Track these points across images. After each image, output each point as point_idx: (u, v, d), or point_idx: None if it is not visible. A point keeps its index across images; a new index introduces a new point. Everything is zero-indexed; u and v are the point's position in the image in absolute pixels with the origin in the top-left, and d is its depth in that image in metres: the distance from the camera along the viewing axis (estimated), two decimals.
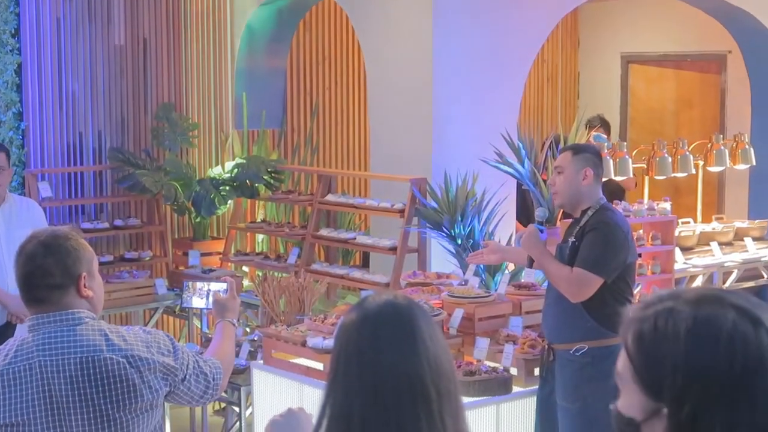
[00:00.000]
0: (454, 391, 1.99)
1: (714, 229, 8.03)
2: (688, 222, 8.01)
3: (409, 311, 2.01)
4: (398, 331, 1.98)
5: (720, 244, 7.78)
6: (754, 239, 8.04)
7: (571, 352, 4.86)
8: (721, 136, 8.45)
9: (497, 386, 5.02)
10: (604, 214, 4.92)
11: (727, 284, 7.59)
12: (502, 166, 6.91)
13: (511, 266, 6.57)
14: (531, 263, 5.12)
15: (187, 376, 3.14)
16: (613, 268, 4.82)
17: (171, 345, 3.13)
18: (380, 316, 2.00)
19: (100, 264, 7.63)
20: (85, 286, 3.07)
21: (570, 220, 5.24)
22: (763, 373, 1.54)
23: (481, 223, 6.64)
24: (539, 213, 5.21)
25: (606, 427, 5.05)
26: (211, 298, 3.71)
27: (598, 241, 4.83)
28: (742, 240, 7.99)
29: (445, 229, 6.60)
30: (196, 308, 7.26)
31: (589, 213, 4.93)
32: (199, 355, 3.27)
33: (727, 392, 1.54)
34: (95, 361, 2.97)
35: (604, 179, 5.36)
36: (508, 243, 6.62)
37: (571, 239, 4.92)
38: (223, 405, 7.40)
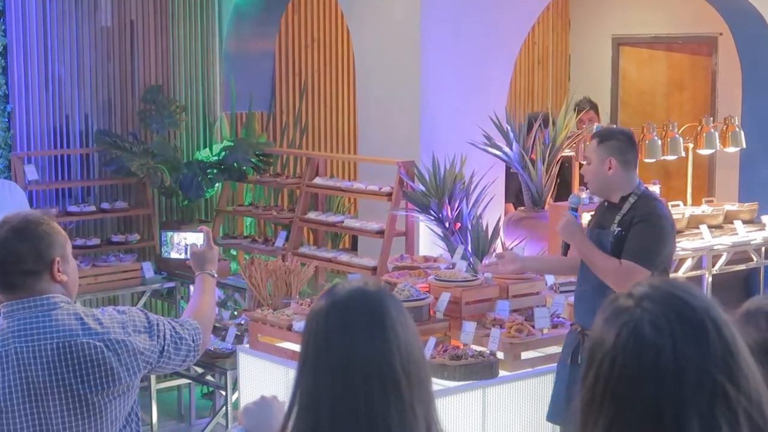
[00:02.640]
0: (425, 378, 1.97)
1: (704, 212, 8.01)
2: (678, 205, 7.98)
3: (379, 298, 1.98)
4: (367, 317, 1.96)
5: (709, 227, 7.76)
6: (744, 222, 8.02)
7: None
8: (711, 118, 8.43)
9: (483, 370, 5.00)
10: (652, 205, 4.84)
11: (717, 267, 7.58)
12: (490, 149, 6.88)
13: (499, 249, 6.55)
14: (566, 251, 5.04)
15: (166, 347, 3.13)
16: (661, 261, 4.78)
17: (146, 320, 3.12)
18: (349, 303, 1.98)
19: (87, 247, 7.69)
20: (59, 271, 3.04)
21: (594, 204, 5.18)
22: None
23: (469, 207, 6.61)
24: (573, 199, 5.11)
25: None
26: (188, 252, 3.67)
27: (649, 234, 4.74)
28: (732, 223, 7.97)
29: (432, 213, 6.56)
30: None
31: (631, 200, 4.84)
32: (176, 321, 3.24)
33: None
34: (72, 345, 2.95)
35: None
36: (497, 226, 6.58)
37: (616, 228, 4.81)
38: (211, 389, 7.39)
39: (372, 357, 1.93)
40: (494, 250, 6.43)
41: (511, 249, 6.16)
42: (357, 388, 1.92)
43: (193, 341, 3.24)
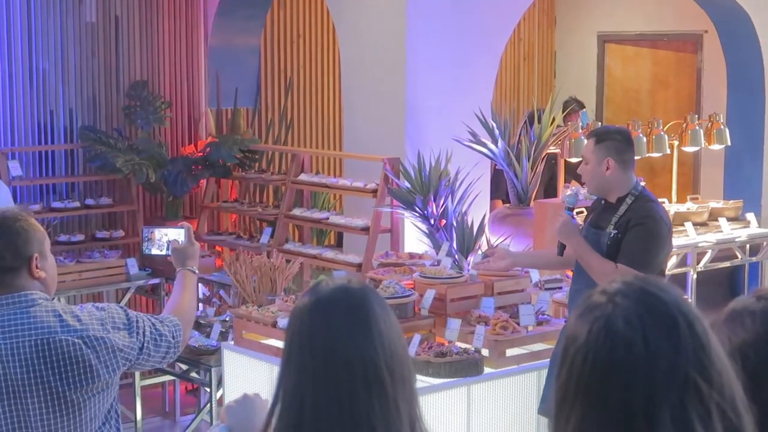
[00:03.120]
0: (408, 376, 1.96)
1: (689, 209, 8.02)
2: (663, 202, 7.99)
3: (363, 295, 1.98)
4: (351, 315, 1.96)
5: (694, 224, 7.77)
6: (729, 219, 8.04)
7: None
8: (696, 116, 8.44)
9: (468, 367, 4.99)
10: (648, 207, 4.81)
11: (701, 265, 7.59)
12: (475, 146, 6.88)
13: (484, 246, 6.55)
14: (561, 251, 5.03)
15: (145, 344, 3.11)
16: (657, 264, 4.77)
17: (125, 317, 3.10)
18: (333, 301, 1.97)
19: (72, 243, 7.66)
20: (37, 267, 3.02)
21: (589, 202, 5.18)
22: None
23: (455, 203, 6.60)
24: (569, 199, 5.09)
25: None
26: (170, 248, 3.65)
27: (645, 238, 4.72)
28: (717, 220, 7.99)
29: (418, 209, 6.56)
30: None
31: (628, 201, 4.82)
32: (155, 317, 3.23)
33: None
34: (50, 342, 2.93)
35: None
36: (482, 222, 6.58)
37: (613, 230, 4.79)
38: (195, 386, 7.37)
39: (356, 354, 1.92)
40: (479, 247, 6.42)
41: (496, 246, 6.14)
42: (340, 385, 1.91)
43: (173, 338, 3.22)
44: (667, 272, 7.36)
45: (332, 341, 1.93)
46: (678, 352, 1.58)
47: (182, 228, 3.69)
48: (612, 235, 4.79)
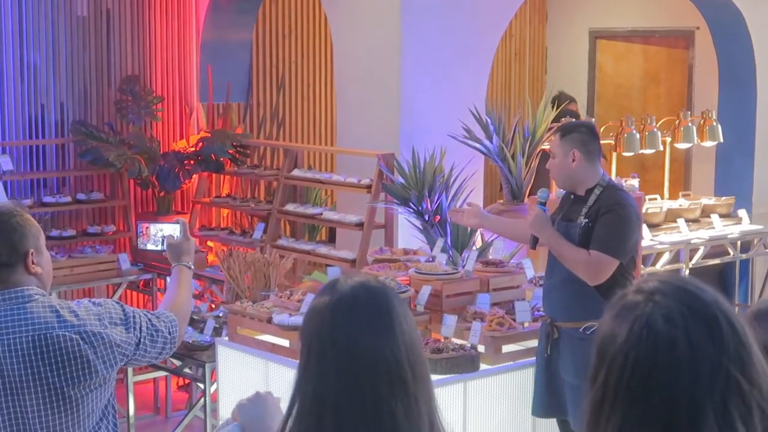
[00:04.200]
0: (427, 374, 1.95)
1: (681, 206, 8.05)
2: (655, 199, 8.01)
3: (384, 293, 1.96)
4: (374, 313, 1.93)
5: (687, 220, 7.79)
6: (721, 216, 8.06)
7: (581, 330, 4.86)
8: (689, 112, 8.46)
9: (465, 364, 4.99)
10: (616, 195, 4.89)
11: (694, 261, 7.60)
12: (470, 142, 6.87)
13: (479, 242, 6.54)
14: (534, 244, 5.07)
15: (142, 339, 3.10)
16: (629, 250, 4.83)
17: (122, 312, 3.08)
18: (355, 300, 1.94)
19: (63, 239, 7.62)
20: (33, 263, 3.00)
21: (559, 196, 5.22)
22: None
23: (449, 199, 6.59)
24: (541, 194, 5.13)
25: None
26: (165, 243, 3.63)
27: (615, 224, 4.79)
28: (709, 217, 8.01)
29: (412, 205, 6.54)
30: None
31: (596, 192, 4.89)
32: (152, 313, 3.21)
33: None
34: (48, 338, 2.91)
35: None
36: None
37: (583, 219, 4.85)
38: (187, 381, 7.35)
39: (379, 353, 1.90)
40: (473, 243, 6.42)
41: (472, 203, 6.18)
42: (364, 385, 1.89)
43: (170, 333, 3.20)
44: (660, 268, 7.41)
45: (355, 341, 1.91)
46: (720, 351, 1.57)
47: (177, 223, 3.67)
48: (583, 224, 4.86)
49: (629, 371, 1.58)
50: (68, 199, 7.81)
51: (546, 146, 7.15)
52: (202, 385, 6.17)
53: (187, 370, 6.39)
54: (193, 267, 3.55)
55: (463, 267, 5.65)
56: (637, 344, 1.58)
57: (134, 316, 3.10)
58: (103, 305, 3.06)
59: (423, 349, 1.97)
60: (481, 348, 5.14)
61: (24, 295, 2.96)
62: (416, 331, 1.97)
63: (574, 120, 9.02)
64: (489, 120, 6.90)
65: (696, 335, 1.57)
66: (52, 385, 2.92)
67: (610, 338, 1.61)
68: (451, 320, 5.20)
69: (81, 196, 7.91)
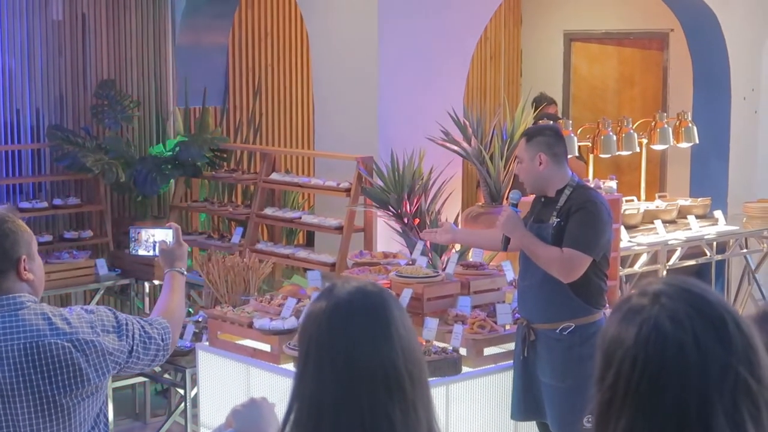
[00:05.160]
0: (425, 380, 1.94)
1: (658, 207, 8.08)
2: (632, 200, 8.04)
3: (381, 298, 1.95)
4: (372, 319, 1.92)
5: (664, 222, 7.83)
6: (697, 217, 8.10)
7: (557, 331, 4.88)
8: (665, 114, 8.49)
9: (447, 367, 4.99)
10: (587, 193, 4.94)
11: (671, 262, 7.64)
12: (448, 144, 6.87)
13: (458, 245, 6.55)
14: (506, 246, 5.09)
15: (135, 347, 3.07)
16: (601, 247, 4.85)
17: (114, 320, 3.05)
18: (352, 305, 1.93)
19: (39, 244, 7.51)
20: (25, 269, 2.97)
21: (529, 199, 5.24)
22: None
23: (428, 202, 6.60)
24: (513, 195, 5.15)
25: None
26: (157, 249, 3.59)
27: (587, 221, 4.82)
28: (686, 218, 8.05)
29: (391, 208, 6.54)
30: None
31: (567, 192, 4.92)
32: (144, 320, 3.18)
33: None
34: (39, 346, 2.89)
35: None
36: (455, 221, 6.59)
37: (555, 219, 4.88)
38: (165, 387, 7.32)
39: (377, 359, 1.89)
40: (453, 247, 6.42)
41: (446, 220, 6.22)
42: (362, 392, 1.88)
43: (162, 340, 3.18)
44: (638, 269, 7.44)
45: (353, 346, 1.90)
46: (729, 351, 1.58)
47: (170, 228, 3.64)
48: (555, 224, 4.89)
49: (638, 374, 1.58)
50: (45, 204, 7.77)
51: None
52: (181, 391, 6.14)
53: (166, 375, 6.36)
54: (186, 273, 3.53)
55: (444, 270, 5.66)
56: (645, 347, 1.59)
57: (127, 324, 3.08)
58: (95, 312, 3.04)
59: (422, 354, 1.97)
60: (462, 351, 5.15)
61: (16, 303, 2.94)
62: (414, 336, 1.97)
63: (547, 100, 9.12)
64: (468, 122, 6.91)
65: (704, 336, 1.58)
66: (43, 393, 2.89)
67: (617, 342, 1.61)
68: (432, 323, 5.21)
69: (57, 201, 7.87)
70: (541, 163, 4.93)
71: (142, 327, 3.13)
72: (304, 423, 1.88)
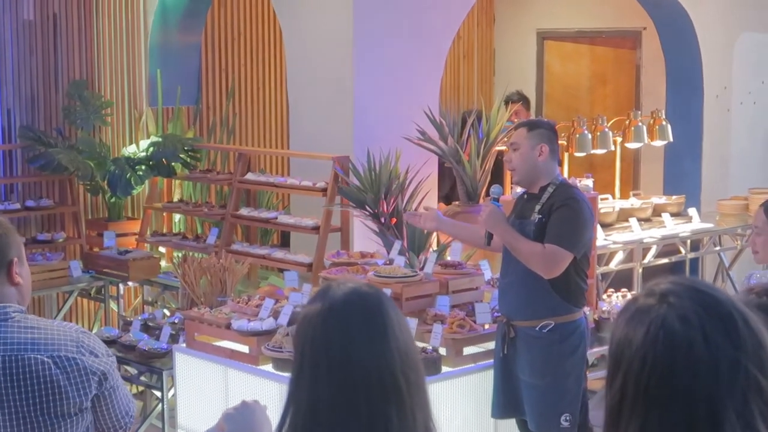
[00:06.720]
0: (422, 382, 1.92)
1: (633, 205, 8.11)
2: (607, 198, 8.05)
3: (377, 300, 1.92)
4: (367, 321, 1.90)
5: (639, 220, 7.85)
6: (672, 215, 8.13)
7: (537, 329, 4.88)
8: (639, 112, 8.52)
9: (427, 367, 4.94)
10: (570, 191, 4.95)
11: (646, 260, 7.66)
12: (425, 144, 6.86)
13: (435, 245, 6.54)
14: (489, 241, 5.08)
15: (118, 386, 2.95)
16: (583, 245, 4.87)
17: (104, 349, 2.95)
18: (347, 307, 1.90)
19: None
20: (15, 273, 2.89)
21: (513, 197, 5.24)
22: None
23: (405, 201, 6.57)
24: (495, 190, 5.15)
25: (575, 398, 5.13)
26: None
27: (569, 218, 4.84)
28: (660, 216, 8.07)
29: (368, 208, 6.52)
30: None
31: (550, 189, 4.94)
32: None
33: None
34: (17, 360, 2.78)
35: None
36: None
37: (537, 216, 4.89)
38: (141, 388, 7.26)
39: (373, 362, 1.87)
40: (430, 246, 6.41)
41: (429, 208, 6.18)
42: (358, 394, 1.85)
43: (131, 408, 3.02)
44: (614, 267, 7.45)
45: (349, 349, 1.87)
46: (738, 349, 1.57)
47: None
48: (537, 220, 4.90)
49: (648, 374, 1.57)
50: (17, 206, 7.69)
51: (501, 147, 7.18)
52: (158, 393, 6.09)
53: (142, 377, 6.31)
54: None
55: (422, 269, 5.63)
56: (654, 346, 1.58)
57: (114, 363, 2.96)
58: (87, 334, 2.92)
59: (419, 356, 1.94)
60: (442, 350, 5.14)
61: (1, 314, 2.86)
62: (411, 338, 1.95)
63: (517, 97, 9.12)
64: (444, 121, 6.90)
65: (713, 335, 1.57)
66: (18, 409, 2.79)
67: (625, 342, 1.60)
68: (411, 323, 5.19)
69: (30, 203, 7.79)
70: (541, 154, 4.95)
71: (122, 384, 3.01)
72: (300, 425, 1.85)
